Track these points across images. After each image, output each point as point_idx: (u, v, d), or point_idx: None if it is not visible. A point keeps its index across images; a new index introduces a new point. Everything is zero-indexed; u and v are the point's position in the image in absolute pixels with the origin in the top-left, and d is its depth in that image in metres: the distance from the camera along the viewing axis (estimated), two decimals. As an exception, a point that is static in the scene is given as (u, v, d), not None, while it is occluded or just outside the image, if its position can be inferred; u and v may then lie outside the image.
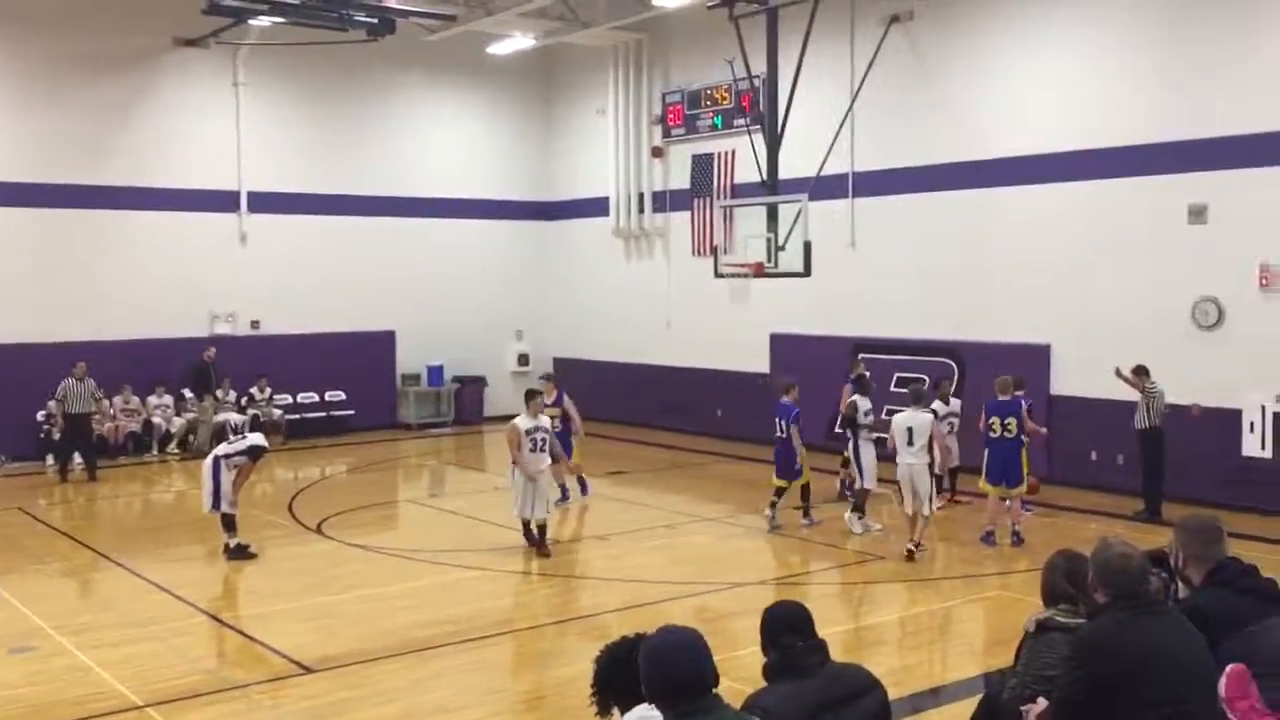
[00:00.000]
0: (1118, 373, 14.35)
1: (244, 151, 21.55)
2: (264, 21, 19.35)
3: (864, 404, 13.73)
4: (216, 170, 21.34)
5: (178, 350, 20.51)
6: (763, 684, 4.41)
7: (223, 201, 21.45)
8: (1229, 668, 4.35)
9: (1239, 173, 14.47)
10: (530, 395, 12.93)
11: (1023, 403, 13.38)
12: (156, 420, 20.23)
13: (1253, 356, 14.33)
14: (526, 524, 12.59)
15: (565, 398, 15.33)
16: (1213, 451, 14.53)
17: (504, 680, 9.03)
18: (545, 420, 12.67)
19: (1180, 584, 5.31)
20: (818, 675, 4.35)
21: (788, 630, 4.44)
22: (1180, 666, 4.44)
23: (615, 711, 4.13)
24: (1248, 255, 14.38)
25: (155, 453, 20.02)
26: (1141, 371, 14.20)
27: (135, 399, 20.07)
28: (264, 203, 21.79)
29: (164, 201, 20.76)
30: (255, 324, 21.80)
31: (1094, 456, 15.87)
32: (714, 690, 3.72)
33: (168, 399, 20.48)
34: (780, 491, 13.92)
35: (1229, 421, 14.48)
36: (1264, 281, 14.29)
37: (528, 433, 12.42)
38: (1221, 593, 4.93)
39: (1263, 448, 14.27)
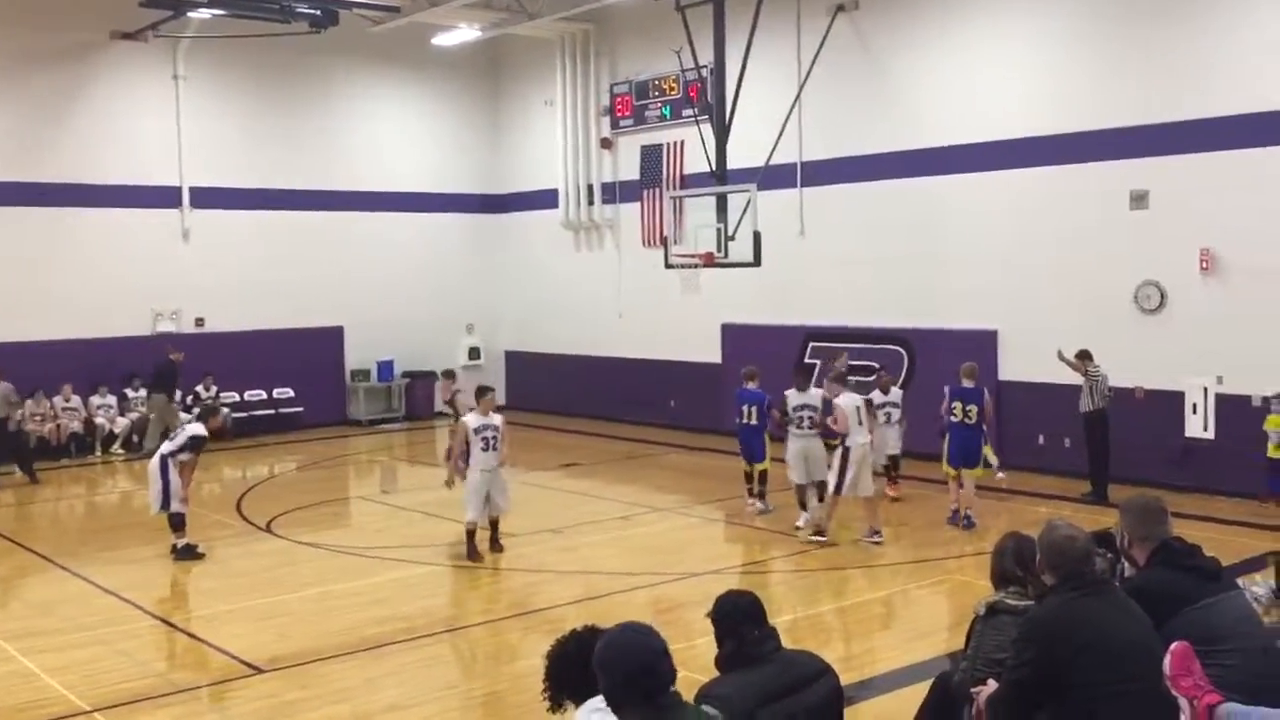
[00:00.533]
0: (1060, 356, 14.54)
1: (185, 146, 21.22)
2: (204, 14, 19.03)
3: (796, 398, 13.52)
4: (157, 166, 20.99)
5: (120, 349, 20.17)
6: (717, 674, 4.41)
7: (164, 197, 21.10)
8: (1173, 646, 4.41)
9: (1179, 159, 14.70)
10: (481, 391, 12.79)
11: (985, 390, 13.59)
12: (99, 420, 19.89)
13: (1194, 339, 14.59)
14: (472, 533, 12.26)
15: (459, 396, 15.27)
16: (1156, 433, 14.78)
17: (457, 677, 8.98)
18: (496, 418, 12.56)
19: (1126, 564, 5.38)
20: (771, 663, 4.37)
21: (741, 620, 4.45)
22: (1126, 646, 4.51)
23: (569, 706, 4.11)
24: (1189, 240, 14.62)
25: (99, 453, 19.69)
26: (1085, 355, 14.41)
27: (76, 398, 19.69)
28: (207, 198, 21.46)
29: (104, 198, 20.39)
30: (200, 321, 21.48)
31: (1041, 440, 16.08)
32: (672, 688, 3.70)
33: (111, 399, 20.13)
34: (761, 475, 14.32)
35: (1172, 403, 14.73)
36: (1204, 265, 14.54)
37: (478, 431, 12.30)
38: (1165, 572, 5.00)
39: (1205, 429, 14.54)
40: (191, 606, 11.10)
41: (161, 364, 19.66)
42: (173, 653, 9.68)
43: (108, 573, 11.87)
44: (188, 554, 12.29)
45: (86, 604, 10.85)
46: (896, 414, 15.00)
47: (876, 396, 14.49)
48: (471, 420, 12.40)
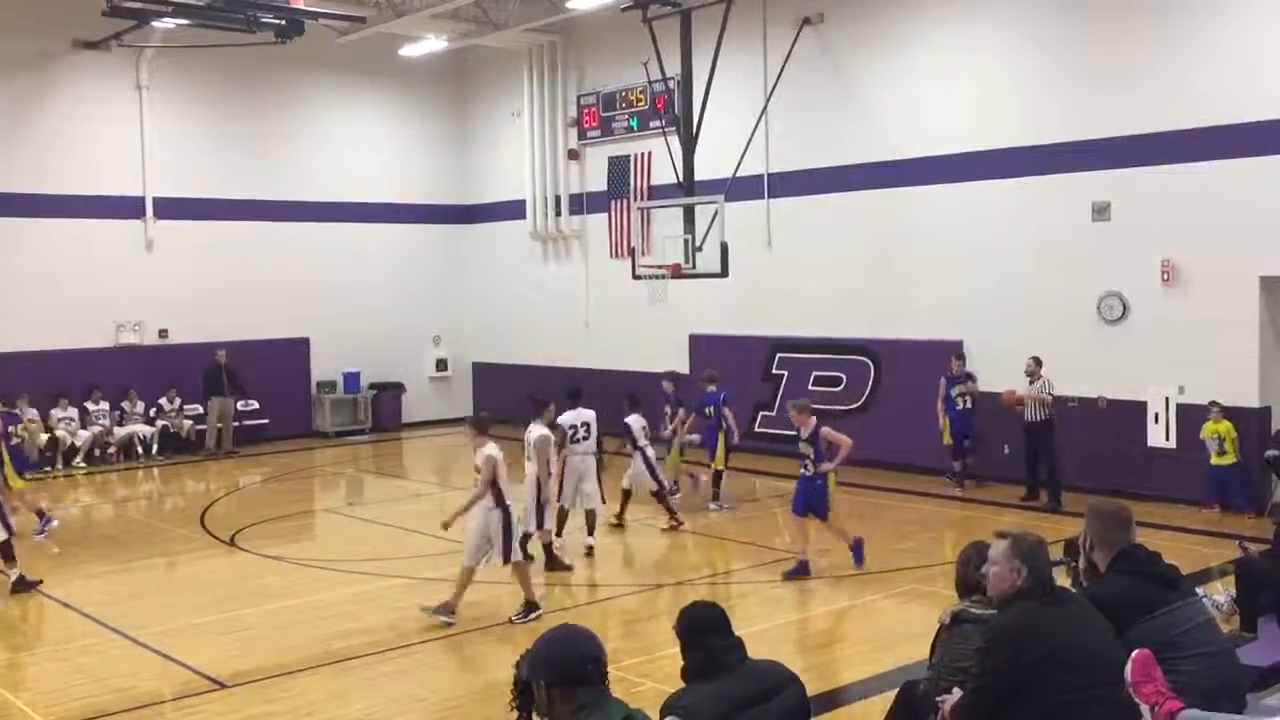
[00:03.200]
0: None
1: (149, 156, 21.03)
2: (168, 23, 18.87)
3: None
4: (120, 176, 20.78)
5: (82, 361, 19.96)
6: (682, 685, 4.41)
7: (127, 208, 20.90)
8: (1134, 653, 4.46)
9: (1141, 171, 14.88)
10: (543, 404, 12.50)
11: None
12: (60, 434, 19.64)
13: (1156, 349, 14.76)
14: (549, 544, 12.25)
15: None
16: (1119, 442, 14.93)
17: (425, 689, 8.91)
18: None
19: (1089, 566, 5.41)
20: (737, 673, 4.37)
21: (706, 630, 4.46)
22: (1088, 653, 4.55)
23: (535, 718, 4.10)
24: (1150, 251, 14.79)
25: (61, 467, 19.44)
26: (1038, 362, 14.67)
27: (32, 410, 19.39)
28: (171, 209, 21.28)
29: (65, 208, 20.15)
30: (163, 333, 21.28)
31: (1007, 450, 16.18)
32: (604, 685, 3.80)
33: (72, 411, 19.88)
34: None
35: (1134, 413, 14.89)
36: (1166, 277, 14.72)
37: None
38: (1126, 580, 5.06)
39: (1166, 438, 14.70)
40: (153, 621, 10.94)
41: (211, 369, 20.62)
42: (135, 668, 9.53)
43: (68, 587, 11.72)
44: (23, 586, 11.50)
45: (47, 619, 10.72)
46: (627, 444, 14.22)
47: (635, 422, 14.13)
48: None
